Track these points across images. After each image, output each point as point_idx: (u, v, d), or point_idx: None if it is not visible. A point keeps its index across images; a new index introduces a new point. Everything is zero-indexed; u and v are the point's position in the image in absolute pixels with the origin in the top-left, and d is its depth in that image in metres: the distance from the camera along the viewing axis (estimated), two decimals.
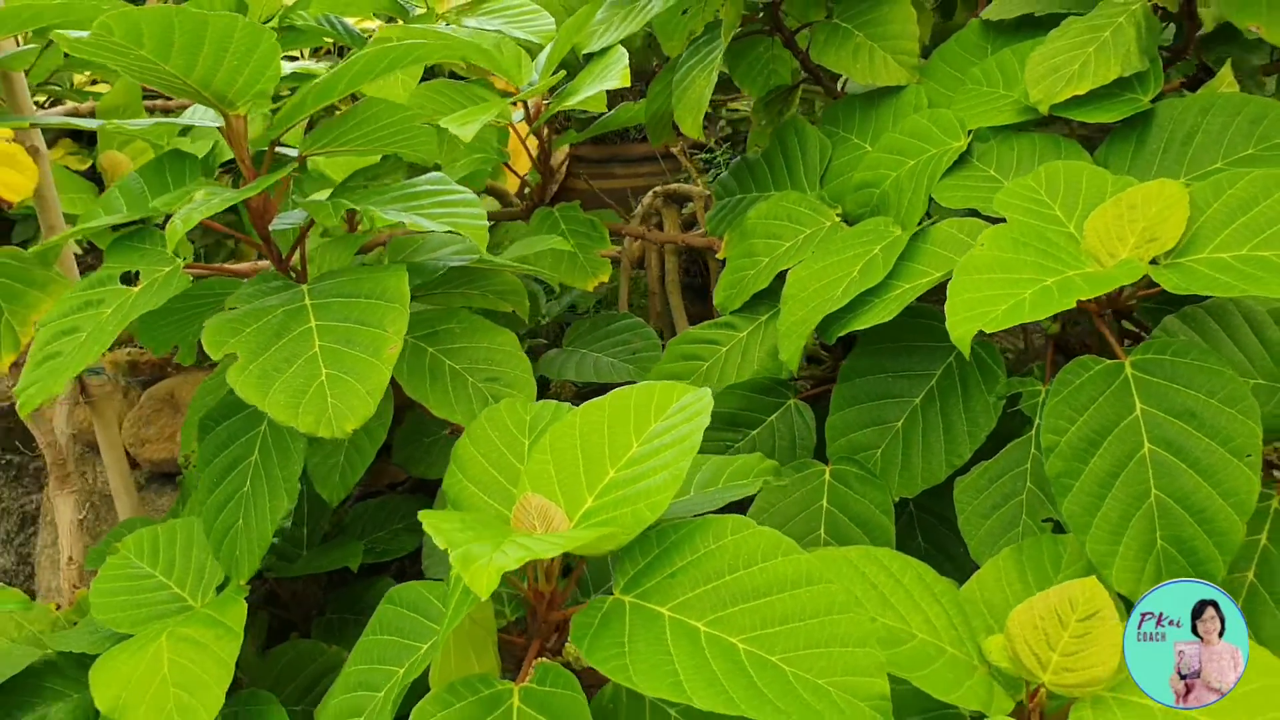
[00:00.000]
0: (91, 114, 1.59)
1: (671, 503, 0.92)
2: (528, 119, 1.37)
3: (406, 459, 1.54)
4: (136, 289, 0.95)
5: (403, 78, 1.70)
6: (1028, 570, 0.90)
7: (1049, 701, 0.78)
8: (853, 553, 0.84)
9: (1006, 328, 0.81)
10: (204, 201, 0.86)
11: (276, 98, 1.00)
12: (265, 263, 1.00)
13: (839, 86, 1.47)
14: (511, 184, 1.77)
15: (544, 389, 1.58)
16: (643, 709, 0.80)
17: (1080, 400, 0.86)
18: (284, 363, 0.87)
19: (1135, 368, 0.87)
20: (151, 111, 1.74)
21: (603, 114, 1.55)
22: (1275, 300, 0.92)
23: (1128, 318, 1.04)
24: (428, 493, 1.64)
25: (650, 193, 1.60)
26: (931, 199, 1.10)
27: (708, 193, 1.73)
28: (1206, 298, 0.94)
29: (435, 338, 1.04)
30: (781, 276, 1.15)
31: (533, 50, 1.43)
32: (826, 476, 1.08)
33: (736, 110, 2.13)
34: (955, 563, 1.12)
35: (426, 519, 0.70)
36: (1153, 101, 1.05)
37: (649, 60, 1.69)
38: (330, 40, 1.82)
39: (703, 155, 1.96)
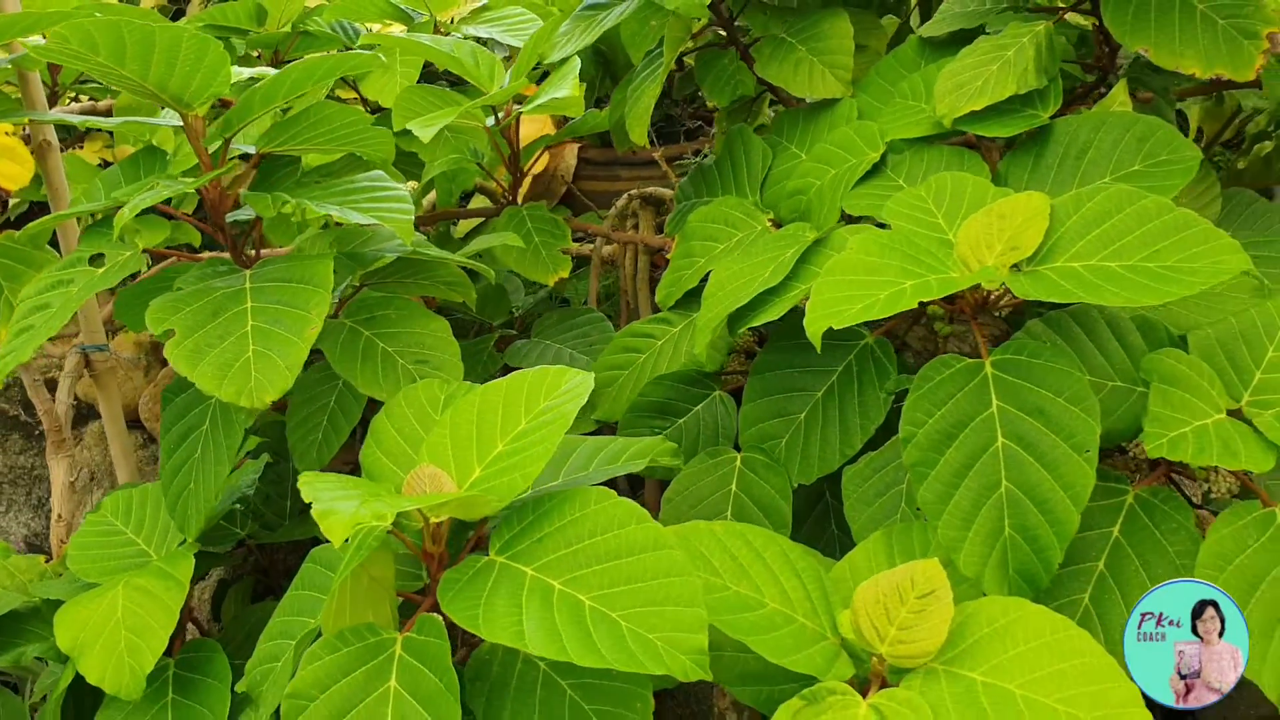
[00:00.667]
0: (109, 112, 1.71)
1: (568, 476, 1.01)
2: (497, 123, 1.46)
3: None
4: (99, 270, 1.06)
5: (400, 80, 1.81)
6: (896, 553, 0.96)
7: (891, 674, 0.85)
8: (718, 527, 0.91)
9: (858, 323, 0.88)
10: (152, 192, 0.96)
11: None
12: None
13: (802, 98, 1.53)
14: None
15: None
16: (515, 659, 0.89)
17: (940, 395, 0.92)
18: (217, 339, 0.96)
19: (995, 367, 0.93)
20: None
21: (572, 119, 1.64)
22: (1141, 307, 0.97)
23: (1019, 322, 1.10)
24: None
25: (625, 195, 1.68)
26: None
27: None
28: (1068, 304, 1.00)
29: (372, 322, 1.14)
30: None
31: None
32: (737, 463, 1.15)
33: None
34: None
35: (304, 479, 0.79)
36: (1052, 118, 1.11)
37: (598, 72, 1.78)
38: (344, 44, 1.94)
39: (681, 161, 2.04)
